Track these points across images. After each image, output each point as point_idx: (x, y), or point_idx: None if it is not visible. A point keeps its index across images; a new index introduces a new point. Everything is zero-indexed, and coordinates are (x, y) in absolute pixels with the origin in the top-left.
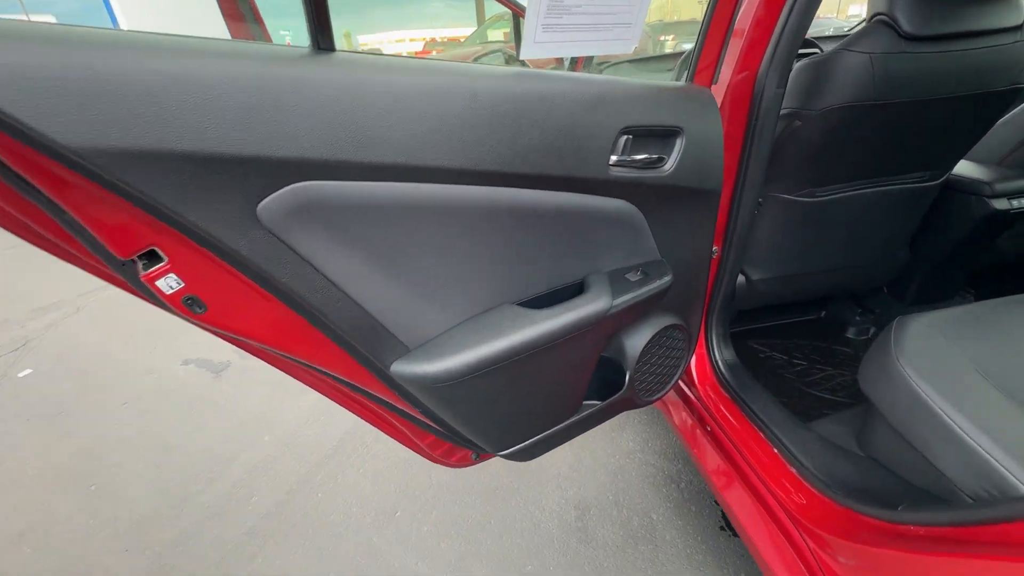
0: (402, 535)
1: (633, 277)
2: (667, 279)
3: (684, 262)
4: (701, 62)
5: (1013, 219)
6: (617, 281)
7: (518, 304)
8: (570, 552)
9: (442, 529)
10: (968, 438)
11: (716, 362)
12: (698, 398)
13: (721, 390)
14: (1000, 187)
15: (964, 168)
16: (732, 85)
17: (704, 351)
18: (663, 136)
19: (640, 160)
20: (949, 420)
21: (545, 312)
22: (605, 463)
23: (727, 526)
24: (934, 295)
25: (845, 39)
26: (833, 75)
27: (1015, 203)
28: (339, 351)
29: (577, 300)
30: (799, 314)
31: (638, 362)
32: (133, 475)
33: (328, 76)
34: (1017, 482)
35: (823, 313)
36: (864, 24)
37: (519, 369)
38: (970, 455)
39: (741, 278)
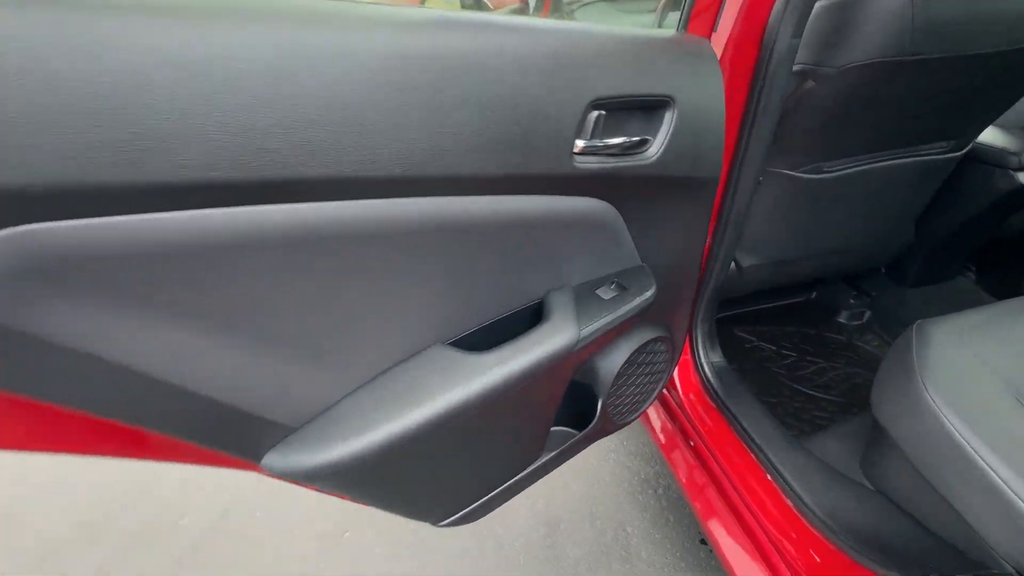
0: (351, 559)
1: (607, 293)
2: (650, 293)
3: (671, 266)
4: (698, 3)
5: None
6: (586, 300)
7: (453, 343)
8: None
9: (395, 551)
10: (1017, 498)
11: (701, 365)
12: (680, 406)
13: (706, 397)
14: None
15: (988, 135)
16: (736, 34)
17: (688, 352)
18: (647, 110)
19: (616, 145)
20: (991, 471)
21: (488, 357)
22: (578, 467)
23: (708, 540)
24: (936, 275)
25: None
26: (861, 21)
27: None
28: (183, 444)
29: (533, 335)
30: (788, 296)
31: (612, 386)
32: (41, 501)
33: (72, 30)
34: None
35: (813, 295)
36: None
37: (455, 432)
38: (1018, 518)
39: (731, 266)
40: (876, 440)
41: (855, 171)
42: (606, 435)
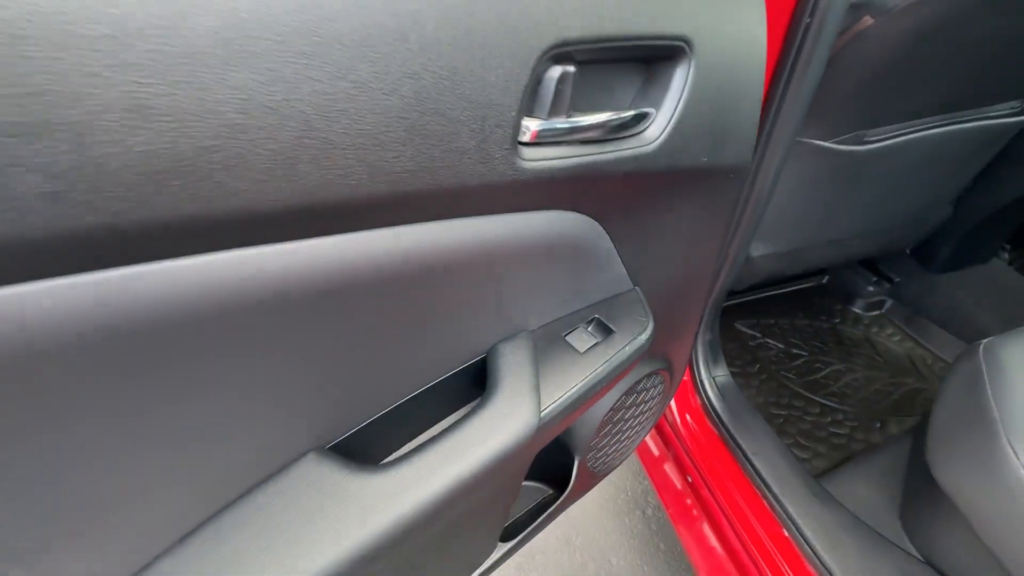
0: None
1: (583, 340)
2: (645, 336)
3: (676, 284)
4: None
5: None
6: (552, 354)
7: (339, 446)
8: None
9: None
10: None
11: (701, 383)
12: (676, 432)
13: (707, 423)
14: None
15: None
16: None
17: (688, 368)
18: (645, 63)
19: (596, 127)
20: None
21: (390, 475)
22: None
23: None
24: (969, 258)
25: None
26: None
27: None
28: None
29: (465, 429)
30: (797, 281)
31: (593, 438)
32: None
33: None
34: None
35: (825, 279)
36: None
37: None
38: None
39: None
40: (930, 500)
41: (901, 141)
42: (587, 491)
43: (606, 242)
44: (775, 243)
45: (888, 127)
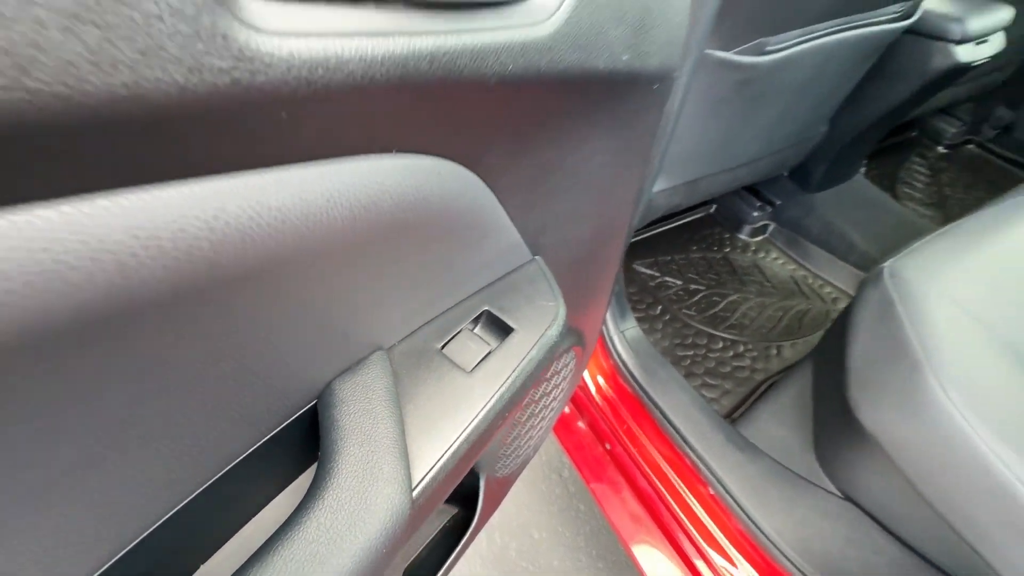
0: None
1: (470, 349)
2: (557, 326)
3: (586, 242)
4: None
5: (965, 71)
6: (425, 376)
7: None
8: None
9: None
10: None
11: (612, 342)
12: (589, 399)
13: (622, 382)
14: (973, 26)
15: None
16: None
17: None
18: None
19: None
20: None
21: None
22: None
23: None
24: (839, 176)
25: None
26: None
27: (980, 51)
28: None
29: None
30: (687, 213)
31: (499, 450)
32: None
33: None
34: None
35: (713, 208)
36: None
37: None
38: None
39: None
40: (848, 438)
41: (801, 49)
42: (504, 497)
43: (486, 197)
44: (675, 175)
45: (787, 34)
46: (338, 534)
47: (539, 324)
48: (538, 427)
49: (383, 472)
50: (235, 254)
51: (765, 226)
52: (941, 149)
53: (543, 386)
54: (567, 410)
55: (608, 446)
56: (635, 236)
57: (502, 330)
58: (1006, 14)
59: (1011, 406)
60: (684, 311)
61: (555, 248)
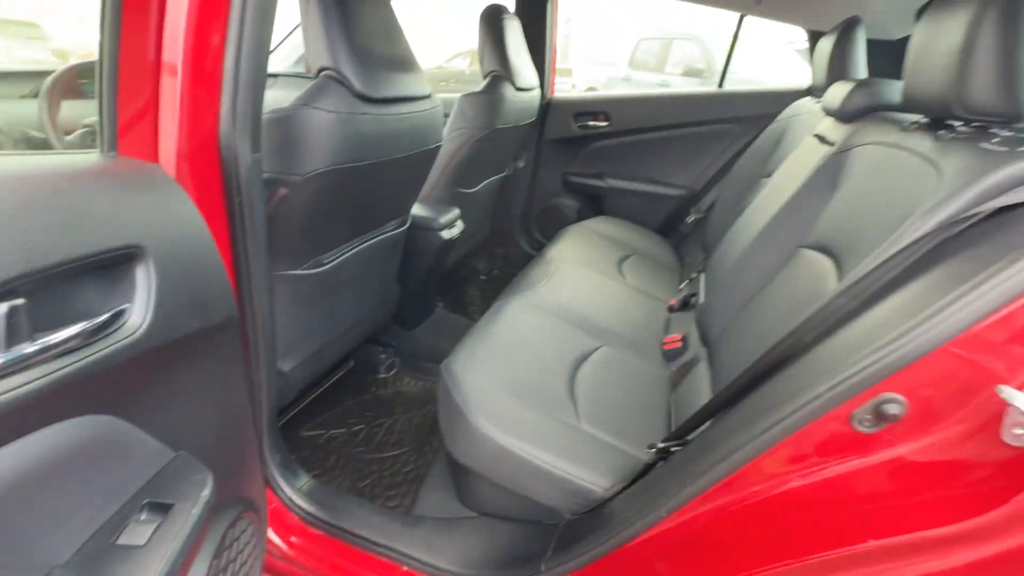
0: None
1: (139, 532)
2: (207, 489)
3: (218, 430)
4: (123, 123)
5: (453, 243)
6: (108, 566)
7: None
8: None
9: None
10: (554, 469)
11: (290, 500)
12: (287, 558)
13: (314, 531)
14: (443, 221)
15: (417, 210)
16: (191, 153)
17: (271, 493)
18: (104, 271)
19: (71, 337)
20: (539, 462)
21: None
22: None
23: None
24: (424, 312)
25: (303, 94)
26: (308, 135)
27: (453, 231)
28: None
29: None
30: (333, 374)
31: None
32: None
33: None
34: (591, 486)
35: (352, 364)
36: (317, 79)
37: None
38: (561, 481)
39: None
40: (460, 474)
41: (347, 256)
42: None
43: (130, 429)
44: (300, 353)
45: (334, 251)
46: None
47: (193, 492)
48: None
49: None
50: None
51: (393, 362)
52: (483, 277)
53: (226, 555)
54: None
55: None
56: (291, 412)
57: (164, 508)
58: (454, 215)
59: (514, 418)
60: (355, 450)
61: (193, 442)
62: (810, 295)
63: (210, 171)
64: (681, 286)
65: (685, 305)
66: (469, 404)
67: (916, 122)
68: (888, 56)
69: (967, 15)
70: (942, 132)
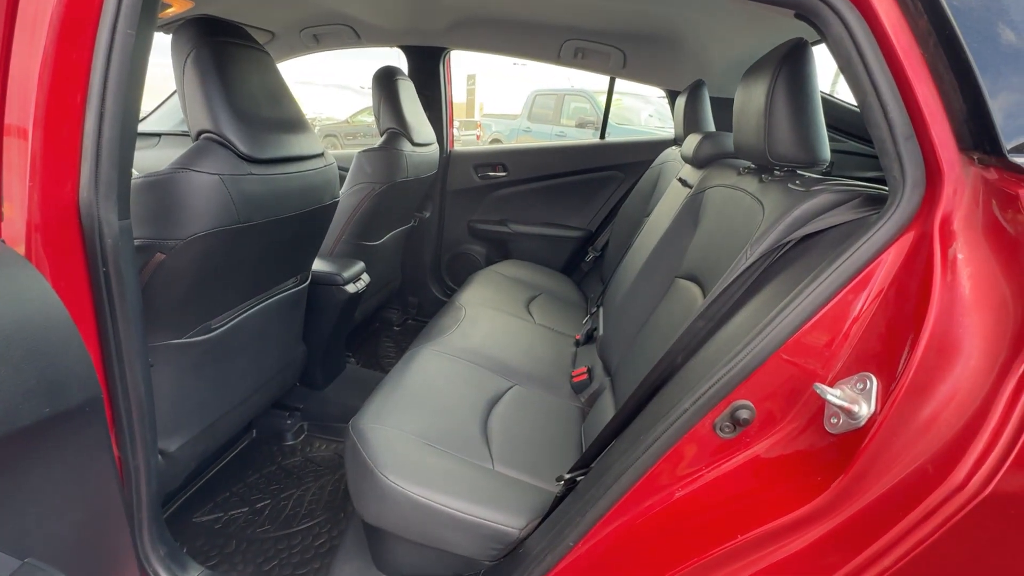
0: None
1: None
2: None
3: (80, 525)
4: None
5: (360, 296)
6: None
7: None
8: None
9: None
10: (468, 516)
11: None
12: None
13: None
14: (347, 275)
15: (316, 263)
16: (41, 226)
17: None
18: None
19: None
20: (453, 511)
21: None
22: None
23: None
24: (334, 370)
25: (182, 157)
26: (188, 199)
27: (358, 285)
28: None
29: None
30: (232, 447)
31: None
32: None
33: None
34: (506, 528)
35: (254, 432)
36: (197, 141)
37: None
38: (475, 528)
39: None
40: (375, 538)
41: (240, 319)
42: None
43: None
44: (188, 430)
45: (224, 315)
46: None
47: None
48: None
49: None
50: None
51: (302, 426)
52: (396, 327)
53: None
54: None
55: None
56: (182, 497)
57: None
58: (358, 268)
59: (425, 470)
60: (259, 531)
61: (47, 546)
62: (684, 320)
63: (69, 241)
64: (584, 320)
65: (589, 338)
66: (378, 460)
67: (747, 167)
68: (729, 112)
69: (764, 83)
70: (764, 176)
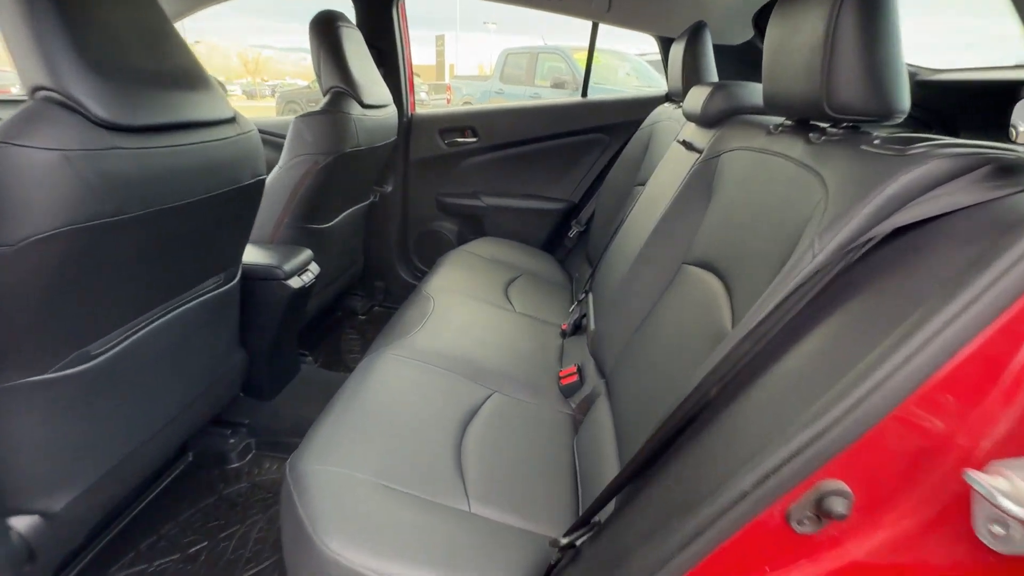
0: None
1: None
2: None
3: None
4: None
5: (309, 291)
6: None
7: None
8: None
9: None
10: None
11: None
12: None
13: None
14: (289, 267)
15: (250, 254)
16: None
17: None
18: None
19: None
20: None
21: None
22: None
23: None
24: (284, 376)
25: (2, 126)
26: (13, 188)
27: (304, 278)
28: None
29: None
30: (157, 483)
31: None
32: None
33: None
34: None
35: (190, 457)
36: (29, 103)
37: None
38: None
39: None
40: None
41: (138, 337)
42: None
43: None
44: (74, 484)
45: (109, 336)
46: None
47: None
48: None
49: None
50: None
51: (248, 445)
52: (362, 316)
53: None
54: None
55: None
56: (90, 553)
57: None
58: (304, 257)
59: (377, 527)
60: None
61: None
62: (701, 320)
63: None
64: (571, 308)
65: (577, 329)
66: (316, 519)
67: (782, 124)
68: (733, 61)
69: (822, 7)
70: (813, 135)
